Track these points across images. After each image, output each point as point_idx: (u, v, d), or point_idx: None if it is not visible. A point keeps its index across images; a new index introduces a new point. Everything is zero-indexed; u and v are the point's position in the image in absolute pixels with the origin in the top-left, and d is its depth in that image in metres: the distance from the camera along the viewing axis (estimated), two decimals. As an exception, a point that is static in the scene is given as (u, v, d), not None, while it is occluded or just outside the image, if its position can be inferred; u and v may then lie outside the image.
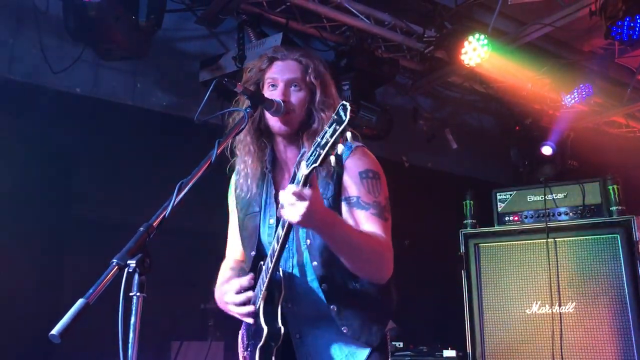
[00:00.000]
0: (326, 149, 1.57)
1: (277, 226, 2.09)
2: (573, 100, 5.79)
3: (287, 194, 1.66)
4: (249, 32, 4.54)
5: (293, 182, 1.70)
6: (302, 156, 2.06)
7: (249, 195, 2.22)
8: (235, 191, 2.31)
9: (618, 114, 6.81)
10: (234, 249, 2.39)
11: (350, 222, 1.99)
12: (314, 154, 1.62)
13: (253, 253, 2.17)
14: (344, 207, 2.04)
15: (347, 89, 4.55)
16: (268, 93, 2.13)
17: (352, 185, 2.03)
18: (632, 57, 5.92)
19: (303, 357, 2.05)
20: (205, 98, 1.98)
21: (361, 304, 2.07)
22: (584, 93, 5.70)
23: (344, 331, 2.03)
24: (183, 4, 4.58)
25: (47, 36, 3.98)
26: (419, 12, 5.17)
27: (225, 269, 2.35)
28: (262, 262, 2.06)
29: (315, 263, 2.03)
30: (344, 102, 1.60)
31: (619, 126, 7.17)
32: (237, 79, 2.08)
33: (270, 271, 1.93)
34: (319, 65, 2.22)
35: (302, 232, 2.10)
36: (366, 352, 2.07)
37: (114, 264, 1.38)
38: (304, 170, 1.65)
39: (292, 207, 1.66)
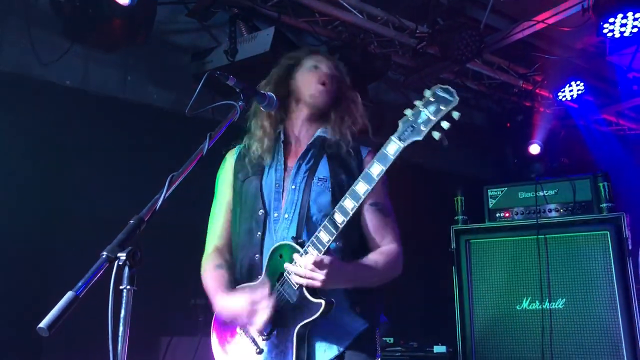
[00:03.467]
0: (429, 125, 1.79)
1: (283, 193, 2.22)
2: (566, 97, 5.81)
3: (304, 266, 1.88)
4: (240, 25, 4.50)
5: (307, 245, 1.93)
6: (323, 142, 2.26)
7: (256, 161, 2.28)
8: (236, 163, 2.35)
9: (608, 112, 6.85)
10: (216, 233, 2.34)
11: (373, 224, 2.18)
12: (408, 130, 1.84)
13: (262, 212, 2.19)
14: (370, 210, 2.18)
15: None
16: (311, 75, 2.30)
17: (376, 190, 2.06)
18: (623, 55, 5.95)
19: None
20: (197, 91, 1.97)
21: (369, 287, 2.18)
22: (575, 90, 5.72)
23: (357, 311, 2.12)
24: (175, -4, 4.54)
25: (36, 27, 3.93)
26: (412, 7, 5.16)
27: (211, 268, 2.25)
28: (280, 255, 2.07)
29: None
30: (440, 85, 1.82)
31: (609, 124, 7.22)
32: (228, 72, 2.07)
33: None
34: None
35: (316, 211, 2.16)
36: (362, 329, 2.13)
37: (104, 256, 1.36)
38: (397, 145, 1.86)
39: (315, 275, 1.87)
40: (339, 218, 1.92)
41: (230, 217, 2.33)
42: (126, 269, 1.37)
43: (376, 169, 1.90)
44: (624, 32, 4.15)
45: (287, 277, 2.01)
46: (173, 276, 3.84)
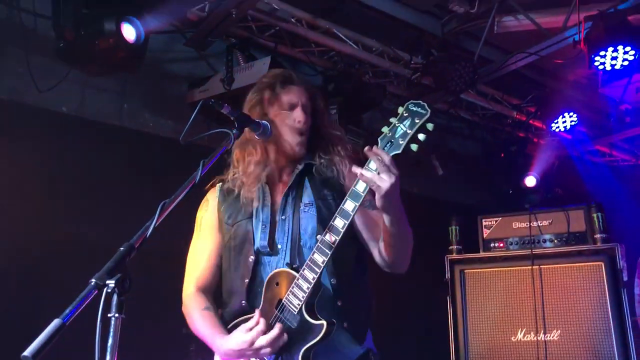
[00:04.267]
0: (407, 138, 1.85)
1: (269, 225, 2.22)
2: (559, 128, 5.86)
3: (383, 160, 1.83)
4: (237, 55, 4.56)
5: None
6: (306, 168, 2.27)
7: (241, 203, 2.27)
8: (220, 204, 2.34)
9: (602, 143, 6.90)
10: (199, 273, 2.32)
11: (368, 219, 2.20)
12: (387, 145, 1.88)
13: (252, 258, 2.20)
14: (360, 211, 2.11)
15: (334, 113, 4.57)
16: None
17: None
18: (614, 87, 6.02)
19: None
20: (191, 118, 1.98)
21: (361, 301, 2.20)
22: (568, 121, 5.77)
23: (345, 326, 2.09)
24: (172, 25, 4.60)
25: (34, 54, 3.96)
26: (407, 39, 5.23)
27: (200, 309, 2.24)
28: (276, 283, 2.06)
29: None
30: (412, 100, 1.90)
31: (603, 155, 7.26)
32: (224, 101, 2.09)
33: (317, 279, 1.94)
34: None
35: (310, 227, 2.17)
36: (360, 350, 2.12)
37: (92, 283, 1.35)
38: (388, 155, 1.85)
39: (389, 175, 1.83)
40: (331, 237, 1.94)
41: (217, 262, 2.33)
42: (115, 297, 1.36)
43: (361, 186, 1.93)
44: (615, 65, 4.21)
45: (286, 303, 2.01)
46: (164, 304, 3.79)
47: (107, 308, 1.36)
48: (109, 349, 1.35)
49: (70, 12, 3.60)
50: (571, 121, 5.83)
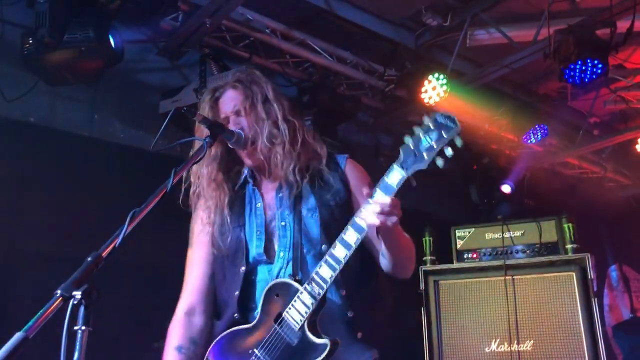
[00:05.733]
0: (432, 153, 1.69)
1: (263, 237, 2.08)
2: (530, 140, 5.95)
3: (385, 204, 1.74)
4: (211, 65, 4.52)
5: (374, 189, 1.77)
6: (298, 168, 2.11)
7: (224, 215, 2.16)
8: (209, 212, 2.21)
9: (571, 156, 7.02)
10: (192, 286, 2.19)
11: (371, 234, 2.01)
12: (410, 158, 1.73)
13: (243, 269, 2.08)
14: None
15: (309, 124, 4.56)
16: None
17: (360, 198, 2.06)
18: (583, 101, 6.15)
19: None
20: (163, 126, 1.95)
21: (376, 307, 2.13)
22: (539, 134, 5.86)
23: (359, 336, 2.01)
24: (145, 35, 4.55)
25: (1, 63, 3.87)
26: (381, 51, 5.27)
27: (173, 345, 2.11)
28: (276, 294, 1.94)
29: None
30: (440, 113, 1.71)
31: (572, 167, 7.38)
32: (196, 109, 2.06)
33: (322, 295, 1.83)
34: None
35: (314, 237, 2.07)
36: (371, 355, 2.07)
37: (57, 294, 1.29)
38: (400, 174, 1.75)
39: (391, 216, 1.76)
40: (342, 252, 1.80)
41: (209, 272, 2.20)
42: (81, 309, 1.30)
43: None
44: (584, 77, 4.30)
45: (287, 318, 1.87)
46: (134, 317, 3.72)
47: (73, 320, 1.30)
48: (74, 363, 1.29)
49: (54, 17, 3.55)
50: (542, 133, 5.92)
